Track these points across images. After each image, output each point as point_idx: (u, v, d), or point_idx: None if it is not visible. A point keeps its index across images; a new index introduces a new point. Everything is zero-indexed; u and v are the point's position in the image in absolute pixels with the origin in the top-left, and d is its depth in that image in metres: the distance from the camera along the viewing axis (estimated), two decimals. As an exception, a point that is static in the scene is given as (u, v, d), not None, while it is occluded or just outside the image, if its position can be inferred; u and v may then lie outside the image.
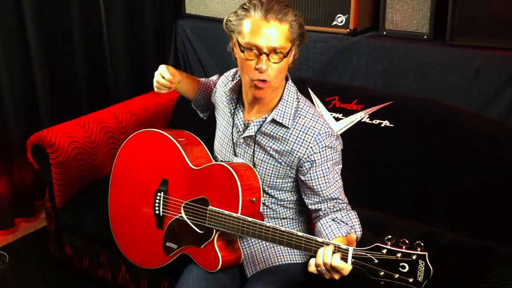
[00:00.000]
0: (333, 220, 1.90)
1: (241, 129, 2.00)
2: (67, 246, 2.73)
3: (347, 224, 1.89)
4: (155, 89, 2.16)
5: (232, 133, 2.04)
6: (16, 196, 3.21)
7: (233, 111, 2.03)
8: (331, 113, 2.62)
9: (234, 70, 2.15)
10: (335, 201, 1.93)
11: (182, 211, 2.00)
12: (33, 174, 3.22)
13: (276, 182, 1.99)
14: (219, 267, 1.90)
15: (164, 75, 2.10)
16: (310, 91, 2.69)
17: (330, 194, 1.92)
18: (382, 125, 2.52)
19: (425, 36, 2.75)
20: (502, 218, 2.27)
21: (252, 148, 1.99)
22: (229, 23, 1.88)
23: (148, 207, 2.12)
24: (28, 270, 2.89)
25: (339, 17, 2.91)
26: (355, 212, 1.95)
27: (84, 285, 2.76)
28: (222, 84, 2.15)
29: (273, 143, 1.94)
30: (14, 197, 3.20)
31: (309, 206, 1.97)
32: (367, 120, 2.56)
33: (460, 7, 2.60)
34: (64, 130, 2.71)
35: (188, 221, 1.98)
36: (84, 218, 2.59)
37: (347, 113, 2.61)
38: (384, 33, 2.85)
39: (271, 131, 1.94)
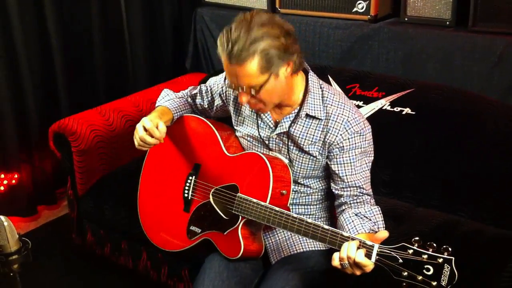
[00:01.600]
0: (356, 215, 1.89)
1: (271, 125, 1.99)
2: (89, 233, 2.75)
3: (370, 220, 1.88)
4: (136, 145, 2.00)
5: (258, 129, 2.02)
6: (38, 184, 3.25)
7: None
8: (352, 101, 2.58)
9: None
10: (359, 189, 1.92)
11: (211, 196, 2.01)
12: (54, 163, 3.26)
13: (312, 173, 2.00)
14: (240, 255, 1.90)
15: (154, 134, 1.97)
16: (330, 79, 2.67)
17: (354, 181, 1.91)
18: (404, 112, 2.50)
19: (447, 23, 2.71)
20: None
21: (286, 143, 1.98)
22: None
23: (178, 190, 2.13)
24: (50, 257, 2.93)
25: (359, 3, 2.88)
26: (379, 208, 1.94)
27: (105, 272, 2.78)
28: None
29: (307, 137, 1.94)
30: (35, 185, 3.24)
31: (334, 191, 1.96)
32: (388, 108, 2.54)
33: (482, -7, 2.56)
34: (85, 118, 2.74)
35: (215, 206, 1.99)
36: (105, 206, 2.61)
37: (368, 100, 2.59)
38: (406, 19, 2.81)
39: (303, 125, 1.94)
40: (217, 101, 2.17)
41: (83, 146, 2.66)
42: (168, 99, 2.19)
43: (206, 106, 2.21)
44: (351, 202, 1.92)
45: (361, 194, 1.92)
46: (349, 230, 1.83)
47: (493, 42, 2.57)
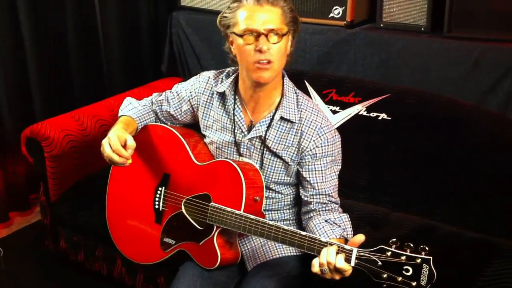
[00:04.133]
0: (326, 221, 1.91)
1: (244, 130, 1.98)
2: (62, 239, 2.71)
3: (339, 226, 1.91)
4: (107, 160, 1.95)
5: (234, 133, 2.01)
6: (10, 190, 3.19)
7: (232, 111, 2.00)
8: (328, 106, 2.61)
9: (212, 72, 2.10)
10: (328, 197, 1.94)
11: (183, 206, 1.99)
12: (26, 168, 3.20)
13: (284, 179, 2.00)
14: (217, 264, 1.88)
15: (122, 154, 1.90)
16: (307, 84, 2.67)
17: (324, 189, 1.94)
18: (380, 118, 2.51)
19: (422, 28, 2.74)
20: (500, 211, 2.26)
21: (259, 148, 1.98)
22: (224, 19, 1.89)
23: (148, 202, 2.10)
24: (23, 264, 2.87)
25: (335, 9, 2.89)
26: (347, 215, 1.97)
27: (80, 279, 2.74)
28: (203, 86, 2.08)
29: (280, 141, 1.95)
30: (7, 191, 3.18)
31: (303, 197, 1.98)
32: (364, 113, 2.55)
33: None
34: (58, 123, 2.69)
35: (188, 216, 1.97)
36: (79, 212, 2.57)
37: (344, 106, 2.59)
38: (381, 25, 2.83)
39: (277, 129, 1.95)
40: (185, 107, 2.13)
41: (56, 152, 2.62)
42: (131, 108, 2.15)
43: (173, 112, 2.17)
44: (320, 209, 1.95)
45: (329, 202, 1.95)
46: (320, 236, 1.83)
47: (468, 47, 2.61)
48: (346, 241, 1.86)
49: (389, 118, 2.50)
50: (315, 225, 1.90)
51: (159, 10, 3.67)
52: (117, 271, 2.52)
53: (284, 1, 1.85)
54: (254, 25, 1.80)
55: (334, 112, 2.58)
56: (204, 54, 3.41)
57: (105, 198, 2.29)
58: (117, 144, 1.89)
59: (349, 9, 2.86)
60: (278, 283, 1.86)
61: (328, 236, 1.84)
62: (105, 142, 1.92)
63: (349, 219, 1.96)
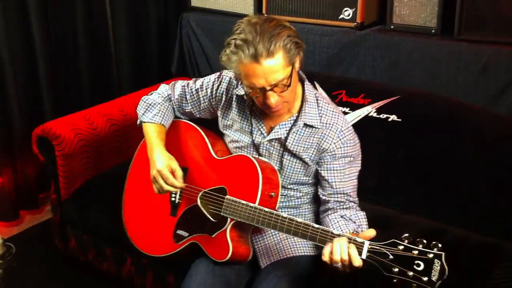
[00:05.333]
0: (341, 217, 1.92)
1: (263, 131, 1.99)
2: (72, 239, 2.72)
3: (354, 222, 1.91)
4: (156, 192, 2.01)
5: (252, 134, 2.01)
6: (21, 188, 3.21)
7: (250, 113, 2.00)
8: (338, 107, 2.60)
9: (233, 73, 2.07)
10: (346, 196, 1.95)
11: (198, 199, 2.00)
12: (36, 167, 3.22)
13: (302, 179, 2.01)
14: (228, 257, 1.89)
15: (177, 186, 1.97)
16: (317, 85, 2.67)
17: (342, 188, 1.94)
18: (390, 119, 2.51)
19: (432, 31, 2.73)
20: (509, 214, 2.26)
21: (279, 150, 1.99)
22: (224, 63, 1.84)
23: (165, 194, 2.11)
24: (33, 262, 2.89)
25: (346, 10, 2.89)
26: (364, 213, 1.97)
27: (89, 278, 2.75)
28: (224, 87, 2.08)
29: (300, 143, 1.95)
30: (18, 189, 3.20)
31: (321, 196, 1.99)
32: (374, 115, 2.55)
33: (468, 2, 2.57)
34: (69, 123, 2.71)
35: (202, 209, 1.98)
36: (88, 211, 2.59)
37: (354, 107, 2.59)
38: (392, 27, 2.83)
39: (299, 133, 1.95)
40: (204, 105, 2.15)
41: (67, 150, 2.63)
42: (155, 113, 2.11)
43: (191, 109, 2.18)
44: (337, 207, 1.95)
45: (347, 201, 1.95)
46: (333, 229, 1.82)
47: (478, 50, 2.60)
48: None
49: (399, 120, 2.50)
50: (330, 220, 1.91)
51: (169, 11, 3.69)
52: (126, 270, 2.53)
53: (287, 36, 1.74)
54: (256, 83, 1.76)
55: (344, 113, 2.57)
56: (214, 55, 3.41)
57: (116, 197, 2.30)
58: (170, 178, 1.94)
59: (359, 10, 2.86)
60: (292, 283, 1.87)
61: (342, 230, 1.84)
62: (156, 175, 1.95)
63: (365, 217, 1.96)
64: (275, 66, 1.73)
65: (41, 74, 3.18)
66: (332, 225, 1.89)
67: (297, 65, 1.83)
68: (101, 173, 2.76)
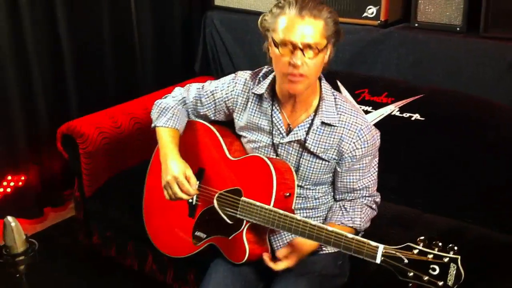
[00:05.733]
0: (339, 206, 1.99)
1: (282, 132, 1.98)
2: (95, 234, 2.75)
3: (348, 213, 1.95)
4: (167, 198, 1.98)
5: (272, 135, 2.00)
6: (45, 186, 3.25)
7: (270, 113, 1.99)
8: (360, 106, 2.59)
9: (248, 73, 2.07)
10: (363, 191, 1.98)
11: (215, 201, 2.00)
12: (62, 164, 3.25)
13: (321, 178, 2.00)
14: (245, 259, 1.89)
15: (191, 194, 1.95)
16: (339, 84, 2.66)
17: (360, 186, 1.96)
18: (413, 118, 2.48)
19: (458, 28, 2.69)
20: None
21: (297, 150, 1.97)
22: (264, 22, 1.87)
23: None
24: (56, 258, 2.92)
25: (369, 8, 2.87)
26: (363, 207, 1.98)
27: (112, 274, 2.78)
28: (240, 89, 2.06)
29: (320, 144, 1.94)
30: (43, 187, 3.23)
31: (336, 196, 2.03)
32: (397, 113, 2.52)
33: (493, -1, 2.54)
34: (93, 121, 2.74)
35: (219, 211, 1.97)
36: (112, 208, 2.62)
37: (376, 106, 2.57)
38: (416, 24, 2.79)
39: (317, 133, 1.94)
40: (219, 107, 2.12)
41: (90, 148, 2.66)
42: (169, 117, 2.08)
43: (206, 112, 2.15)
44: (345, 198, 2.02)
45: (361, 197, 1.99)
46: (327, 217, 1.99)
47: (504, 48, 2.55)
48: (356, 232, 1.93)
49: (423, 119, 2.47)
50: (330, 208, 2.01)
51: (193, 10, 3.70)
52: (148, 266, 2.55)
53: (329, 12, 1.80)
54: (292, 38, 1.76)
55: (366, 112, 2.56)
56: (237, 54, 3.41)
57: (138, 194, 2.32)
58: (186, 184, 1.92)
59: (383, 8, 2.83)
60: (309, 282, 1.86)
61: (330, 219, 1.96)
62: (172, 181, 1.93)
63: (365, 210, 1.97)
64: (314, 28, 1.76)
65: (67, 73, 3.21)
66: (330, 215, 1.99)
67: (329, 51, 1.85)
68: (124, 171, 2.78)
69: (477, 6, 2.61)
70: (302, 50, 1.76)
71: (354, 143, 1.91)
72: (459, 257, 1.49)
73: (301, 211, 2.02)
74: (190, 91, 2.18)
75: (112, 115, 2.83)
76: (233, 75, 2.11)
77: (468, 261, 1.52)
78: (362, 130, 1.91)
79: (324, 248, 2.00)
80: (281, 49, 1.79)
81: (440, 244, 1.52)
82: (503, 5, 2.54)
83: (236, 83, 2.07)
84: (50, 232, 3.18)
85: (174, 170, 1.93)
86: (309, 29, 1.76)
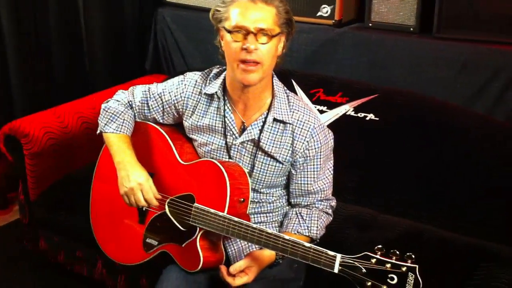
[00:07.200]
0: (295, 213, 1.97)
1: (235, 132, 1.94)
2: (42, 240, 2.65)
3: (305, 222, 1.93)
4: (127, 203, 1.93)
5: (225, 136, 1.95)
6: (-13, 188, 3.13)
7: (222, 113, 1.94)
8: (315, 106, 2.59)
9: (198, 74, 2.02)
10: (318, 195, 1.96)
11: (166, 207, 1.94)
12: (5, 165, 3.12)
13: (275, 181, 1.97)
14: (199, 267, 1.83)
15: (154, 204, 1.92)
16: (294, 83, 2.65)
17: (314, 188, 1.95)
18: (367, 118, 2.49)
19: (411, 29, 2.72)
20: (490, 214, 2.25)
21: (251, 151, 1.94)
22: (217, 13, 1.85)
23: None
24: (1, 264, 2.83)
25: (324, 7, 2.86)
26: (320, 214, 1.97)
27: (59, 280, 2.69)
28: (190, 91, 2.00)
29: (274, 143, 1.91)
30: (-15, 189, 3.12)
31: (291, 200, 2.00)
32: (352, 113, 2.53)
33: (447, 0, 2.56)
34: (38, 120, 2.64)
35: (171, 217, 1.92)
36: (59, 212, 2.52)
37: (331, 105, 2.57)
38: (370, 25, 2.81)
39: (271, 131, 1.91)
40: (168, 110, 2.05)
41: (36, 149, 2.56)
42: (120, 123, 2.02)
43: (154, 116, 2.08)
44: (301, 203, 1.99)
45: (316, 201, 1.98)
46: (283, 225, 1.97)
47: (457, 49, 2.60)
48: (312, 240, 1.92)
49: (377, 119, 2.48)
50: (286, 215, 1.99)
51: (143, 6, 3.62)
52: (98, 272, 2.48)
53: (280, 1, 1.81)
54: (245, 22, 1.76)
55: (321, 112, 2.56)
56: (189, 51, 3.37)
57: (87, 198, 2.24)
58: (150, 193, 1.89)
59: (337, 8, 2.83)
60: (265, 286, 1.84)
61: (287, 227, 1.93)
62: (136, 188, 1.88)
63: (322, 217, 1.96)
64: (266, 13, 1.78)
65: (12, 70, 3.10)
66: (284, 219, 1.98)
67: (282, 43, 1.86)
68: (72, 172, 2.69)
69: (430, 7, 2.64)
70: (255, 34, 1.76)
71: (307, 141, 1.89)
72: (417, 266, 1.50)
73: (256, 216, 1.99)
74: (135, 94, 2.10)
75: (59, 114, 2.74)
76: (181, 76, 2.05)
77: (426, 263, 1.52)
78: (314, 129, 1.90)
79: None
80: (234, 35, 1.78)
81: (398, 253, 1.52)
82: (455, 6, 2.58)
83: (185, 84, 2.01)
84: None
85: (138, 178, 1.89)
86: (262, 14, 1.77)
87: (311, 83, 2.67)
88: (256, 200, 1.97)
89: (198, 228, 1.84)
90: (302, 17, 2.90)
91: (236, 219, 1.76)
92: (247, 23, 1.76)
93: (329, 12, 2.86)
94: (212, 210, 1.80)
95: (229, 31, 1.79)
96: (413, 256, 1.50)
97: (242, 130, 1.93)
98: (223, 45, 1.86)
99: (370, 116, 2.49)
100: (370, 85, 2.60)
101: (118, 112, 2.04)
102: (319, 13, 2.89)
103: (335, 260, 1.59)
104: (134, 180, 1.89)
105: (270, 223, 2.01)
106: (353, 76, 2.83)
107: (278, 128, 1.90)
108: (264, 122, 1.90)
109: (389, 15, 2.76)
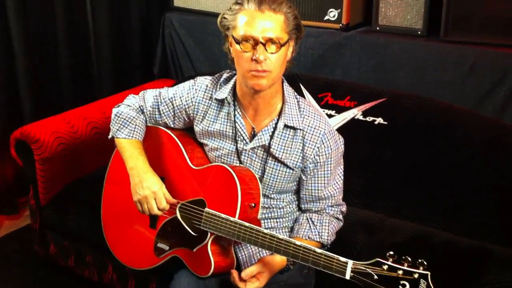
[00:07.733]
0: (306, 219, 1.97)
1: (245, 137, 1.93)
2: (52, 244, 2.66)
3: (316, 227, 1.93)
4: (140, 211, 1.95)
5: (235, 141, 1.95)
6: (-2, 193, 3.14)
7: (233, 118, 1.94)
8: (324, 110, 2.57)
9: (208, 79, 2.02)
10: (329, 200, 1.96)
11: (178, 211, 1.94)
12: (15, 170, 3.15)
13: (286, 186, 1.97)
14: (210, 272, 1.83)
15: (165, 208, 1.93)
16: (302, 87, 2.64)
17: (325, 194, 1.95)
18: (376, 122, 2.48)
19: (419, 32, 2.71)
20: (497, 217, 2.25)
21: (261, 156, 1.94)
22: (224, 20, 1.84)
23: None
24: (11, 269, 2.83)
25: (331, 11, 2.86)
26: (331, 220, 1.97)
27: (69, 285, 2.70)
28: (201, 96, 2.00)
29: (285, 149, 1.91)
30: (-4, 194, 3.13)
31: (302, 205, 2.00)
32: (360, 117, 2.52)
33: (454, 3, 2.56)
34: (49, 125, 2.65)
35: (182, 222, 1.92)
36: (69, 216, 2.53)
37: (339, 110, 2.56)
38: (377, 28, 2.81)
39: (281, 137, 1.91)
40: (179, 115, 2.06)
41: (46, 154, 2.57)
42: (133, 128, 2.03)
43: (165, 121, 2.09)
44: (311, 208, 1.99)
45: (326, 207, 1.97)
46: (294, 230, 1.96)
47: (464, 52, 2.60)
48: (322, 245, 1.92)
49: (385, 123, 2.47)
50: (297, 220, 1.99)
51: (151, 11, 3.64)
52: (107, 277, 2.48)
53: (289, 7, 1.79)
54: (253, 32, 1.74)
55: (330, 116, 2.55)
56: (197, 56, 3.37)
57: (97, 203, 2.24)
58: (164, 202, 1.90)
59: (344, 12, 2.83)
60: (275, 291, 1.83)
61: (298, 233, 1.93)
62: (150, 196, 1.89)
63: (332, 223, 1.96)
64: (275, 22, 1.76)
65: (20, 76, 3.11)
66: (294, 225, 1.98)
67: (291, 48, 1.85)
68: (82, 177, 2.70)
69: (437, 10, 2.63)
70: (264, 44, 1.74)
71: (317, 147, 1.88)
72: (429, 273, 1.49)
73: (266, 221, 1.99)
74: (146, 99, 2.10)
75: (69, 120, 2.75)
76: (192, 81, 2.05)
77: (434, 267, 1.52)
78: (325, 134, 1.89)
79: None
80: (243, 45, 1.77)
81: (410, 259, 1.51)
82: (462, 9, 2.58)
83: (196, 89, 2.01)
84: (3, 242, 3.07)
85: (152, 186, 1.90)
86: (270, 23, 1.75)
87: (318, 87, 2.66)
88: (266, 206, 1.97)
89: (209, 233, 1.84)
90: (310, 21, 2.90)
91: (247, 224, 1.75)
92: (255, 33, 1.74)
93: (336, 16, 2.86)
94: (223, 215, 1.79)
95: (237, 41, 1.78)
96: (425, 263, 1.49)
97: (252, 135, 1.93)
98: (232, 52, 1.86)
99: (379, 120, 2.49)
100: (378, 89, 2.59)
101: (130, 117, 2.05)
102: (326, 17, 2.89)
103: (346, 267, 1.58)
104: (148, 187, 1.89)
105: (281, 228, 2.01)
106: (361, 80, 2.83)
107: (289, 134, 1.90)
108: (275, 128, 1.90)
109: (397, 18, 2.75)
